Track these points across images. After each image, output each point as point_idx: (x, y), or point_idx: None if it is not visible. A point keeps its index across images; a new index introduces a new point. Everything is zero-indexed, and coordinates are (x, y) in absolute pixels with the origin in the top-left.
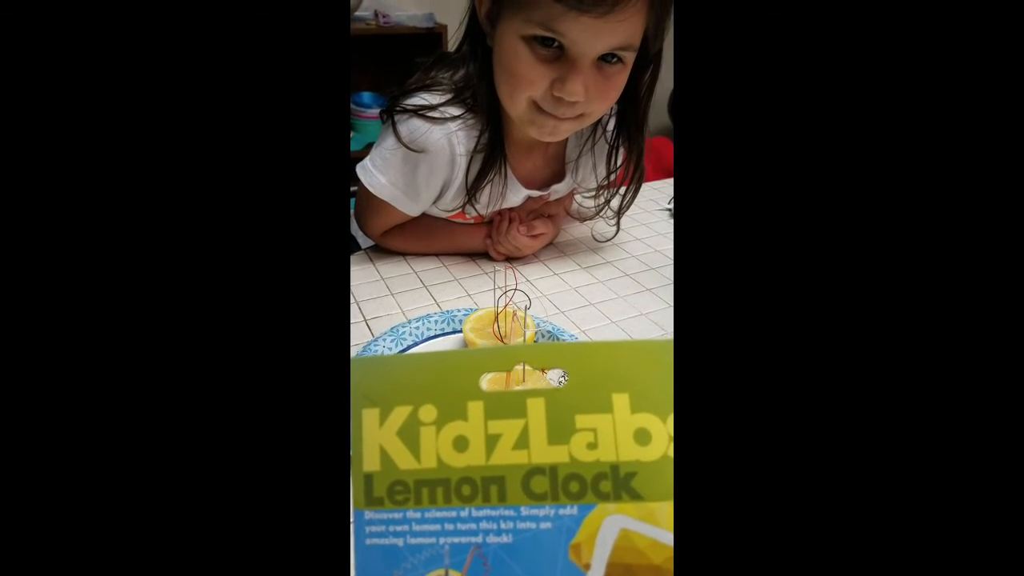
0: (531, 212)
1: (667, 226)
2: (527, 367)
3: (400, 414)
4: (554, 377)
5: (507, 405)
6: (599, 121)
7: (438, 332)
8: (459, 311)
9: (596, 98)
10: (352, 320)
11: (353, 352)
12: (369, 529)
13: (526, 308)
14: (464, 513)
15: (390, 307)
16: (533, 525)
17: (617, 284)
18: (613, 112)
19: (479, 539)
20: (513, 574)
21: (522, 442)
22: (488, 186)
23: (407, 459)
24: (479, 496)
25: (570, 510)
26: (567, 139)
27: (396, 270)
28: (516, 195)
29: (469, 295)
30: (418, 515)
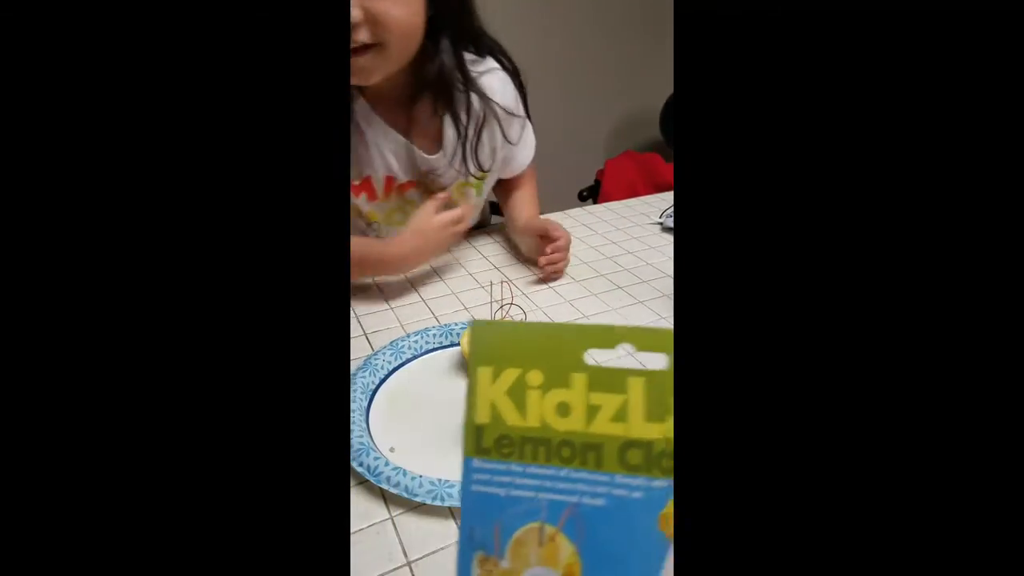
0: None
1: (658, 240)
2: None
3: (510, 375)
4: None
5: (609, 380)
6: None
7: (436, 345)
8: (456, 324)
9: (381, 17)
10: (352, 334)
11: (353, 366)
12: (476, 476)
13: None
14: (563, 473)
15: (389, 321)
16: (626, 493)
17: (609, 296)
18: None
19: (575, 499)
20: (604, 535)
21: (620, 416)
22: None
23: (514, 416)
24: (577, 459)
25: (662, 483)
26: (439, 121)
27: (394, 282)
28: (388, 140)
29: (466, 308)
30: (520, 469)
